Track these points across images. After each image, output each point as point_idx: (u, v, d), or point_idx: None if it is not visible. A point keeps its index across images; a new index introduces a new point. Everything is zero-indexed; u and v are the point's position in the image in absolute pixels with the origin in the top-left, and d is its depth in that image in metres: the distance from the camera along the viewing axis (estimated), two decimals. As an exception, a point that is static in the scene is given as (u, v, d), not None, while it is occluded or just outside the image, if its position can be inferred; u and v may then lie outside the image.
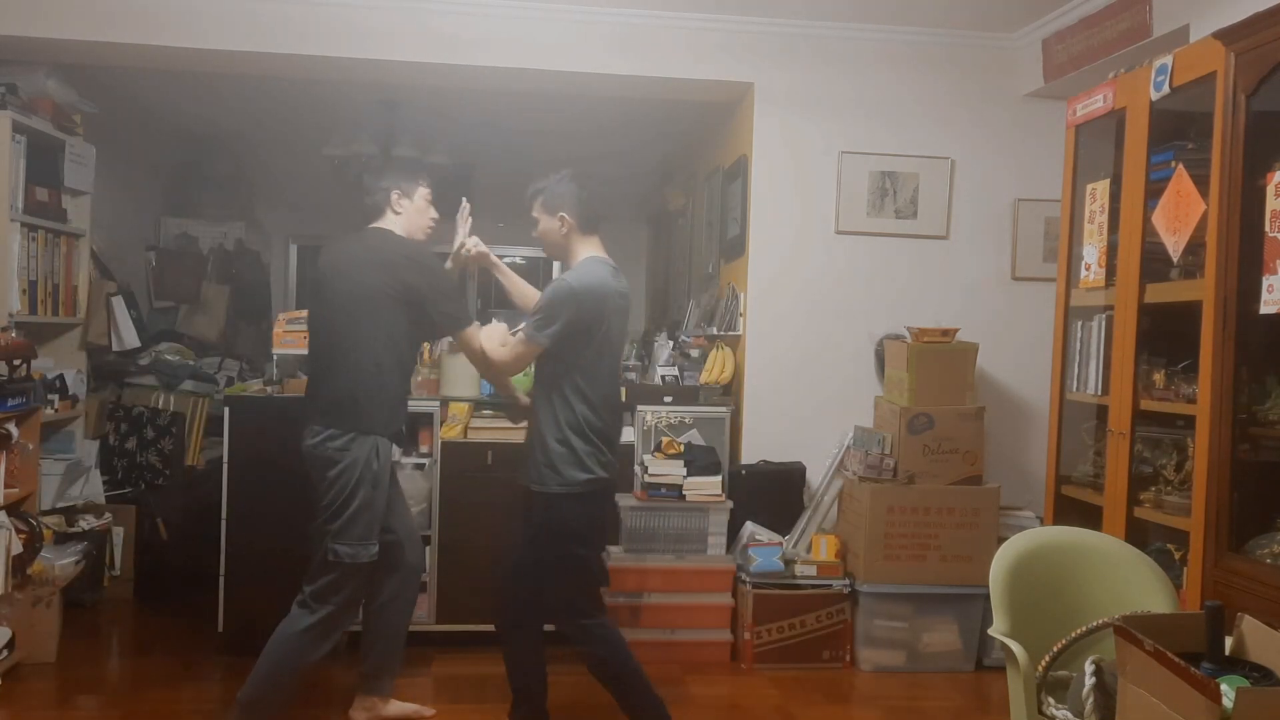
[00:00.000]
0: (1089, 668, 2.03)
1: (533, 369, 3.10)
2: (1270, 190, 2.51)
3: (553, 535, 2.98)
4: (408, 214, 3.17)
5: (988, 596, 2.50)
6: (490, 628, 3.98)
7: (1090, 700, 1.99)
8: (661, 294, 7.12)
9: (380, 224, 3.16)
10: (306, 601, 3.03)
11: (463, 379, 4.14)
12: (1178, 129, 3.05)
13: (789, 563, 4.01)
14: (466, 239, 3.24)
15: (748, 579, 3.98)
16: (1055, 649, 2.25)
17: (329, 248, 3.28)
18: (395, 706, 3.38)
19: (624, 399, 4.19)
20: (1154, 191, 3.04)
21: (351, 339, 3.02)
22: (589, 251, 3.06)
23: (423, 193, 3.20)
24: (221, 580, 3.87)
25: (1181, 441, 3.02)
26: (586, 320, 2.92)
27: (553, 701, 3.19)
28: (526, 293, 3.31)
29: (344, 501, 2.99)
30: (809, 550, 4.09)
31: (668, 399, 4.24)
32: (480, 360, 3.12)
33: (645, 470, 4.06)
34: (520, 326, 3.02)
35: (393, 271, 3.01)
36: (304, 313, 4.09)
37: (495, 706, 3.48)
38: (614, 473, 3.07)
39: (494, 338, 3.08)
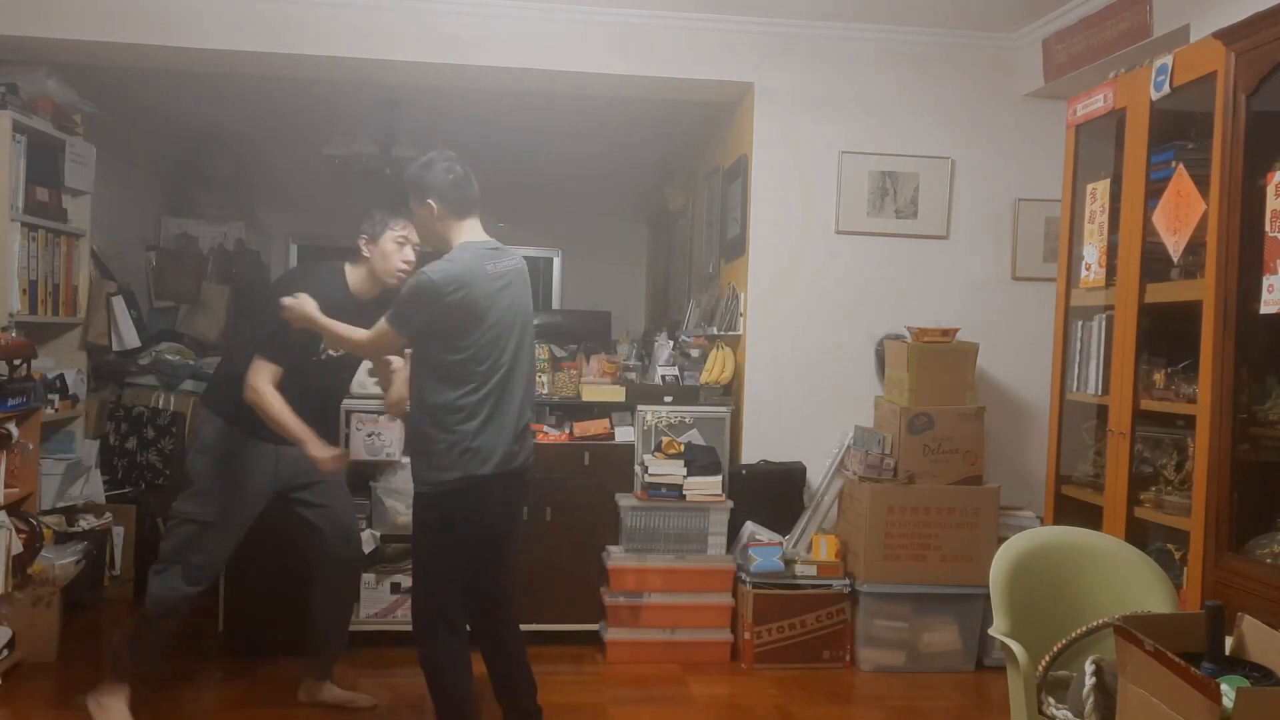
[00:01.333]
0: (1089, 668, 2.03)
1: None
2: (1270, 190, 2.51)
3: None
4: (374, 259, 3.17)
5: (988, 596, 2.50)
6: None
7: (1090, 700, 1.99)
8: (661, 294, 7.12)
9: (350, 263, 3.23)
10: None
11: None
12: (1178, 129, 3.05)
13: (789, 563, 4.01)
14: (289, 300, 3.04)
15: (748, 579, 3.98)
16: (1055, 649, 2.25)
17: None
18: (333, 692, 3.46)
19: (621, 398, 4.23)
20: (1154, 191, 3.04)
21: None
22: (465, 236, 2.89)
23: (391, 235, 3.14)
24: (221, 580, 3.87)
25: (1181, 441, 3.02)
26: (455, 313, 2.71)
27: (551, 701, 3.19)
28: (351, 335, 3.02)
29: None
30: (809, 550, 4.09)
31: (668, 399, 4.24)
32: (348, 342, 3.04)
33: (645, 470, 4.06)
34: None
35: None
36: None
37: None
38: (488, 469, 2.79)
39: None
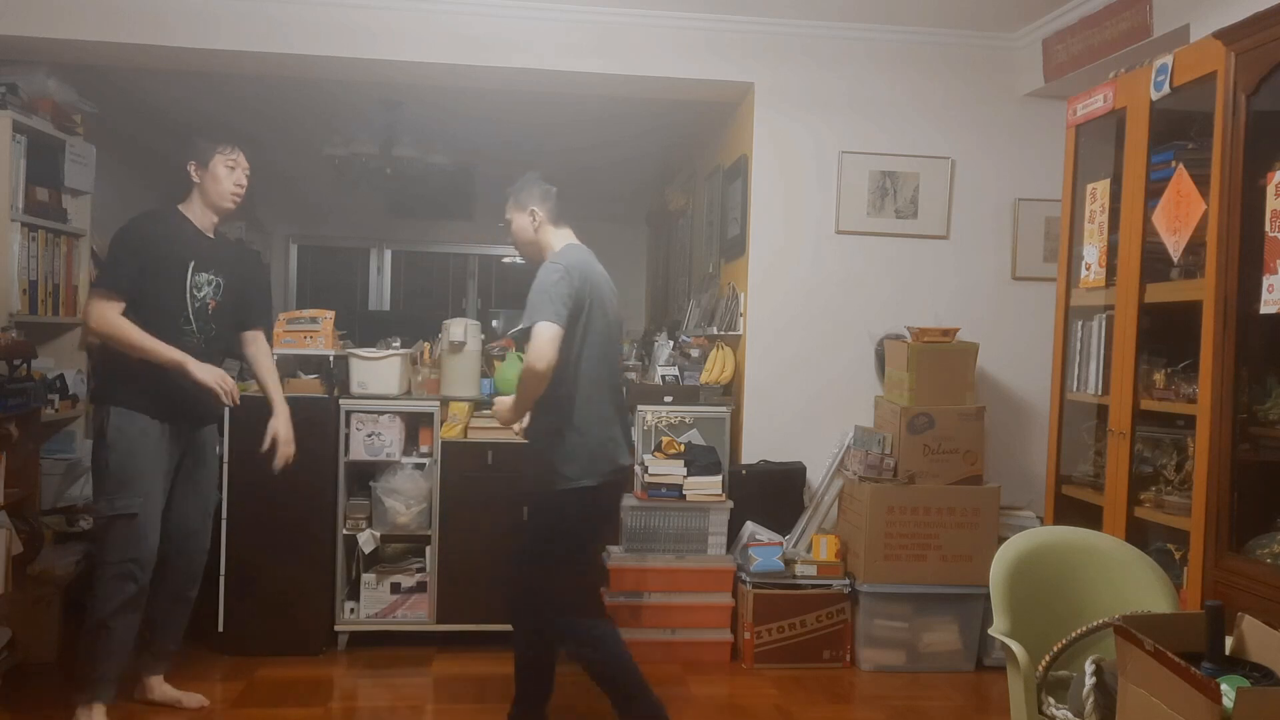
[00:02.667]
0: (1089, 668, 2.03)
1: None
2: (1270, 190, 2.51)
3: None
4: (205, 184, 3.18)
5: (988, 596, 2.50)
6: (489, 627, 4.00)
7: (1090, 700, 1.99)
8: (661, 294, 7.12)
9: (182, 204, 3.20)
10: None
11: (463, 378, 4.14)
12: (1178, 129, 3.05)
13: (789, 562, 4.01)
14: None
15: (748, 579, 3.98)
16: (1055, 649, 2.25)
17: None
18: (164, 690, 3.40)
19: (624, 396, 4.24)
20: (1154, 191, 3.04)
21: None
22: (565, 240, 3.13)
23: (222, 159, 3.16)
24: (221, 580, 3.87)
25: (1181, 441, 3.02)
26: (581, 300, 2.94)
27: (555, 701, 3.19)
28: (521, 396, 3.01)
29: None
30: (809, 550, 4.09)
31: (668, 399, 4.24)
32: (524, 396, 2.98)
33: (645, 470, 4.06)
34: (517, 328, 3.03)
35: None
36: (304, 312, 4.10)
37: (495, 706, 3.48)
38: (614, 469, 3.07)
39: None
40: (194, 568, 3.35)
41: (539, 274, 2.96)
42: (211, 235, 3.26)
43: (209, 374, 3.03)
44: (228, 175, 3.18)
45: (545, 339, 2.84)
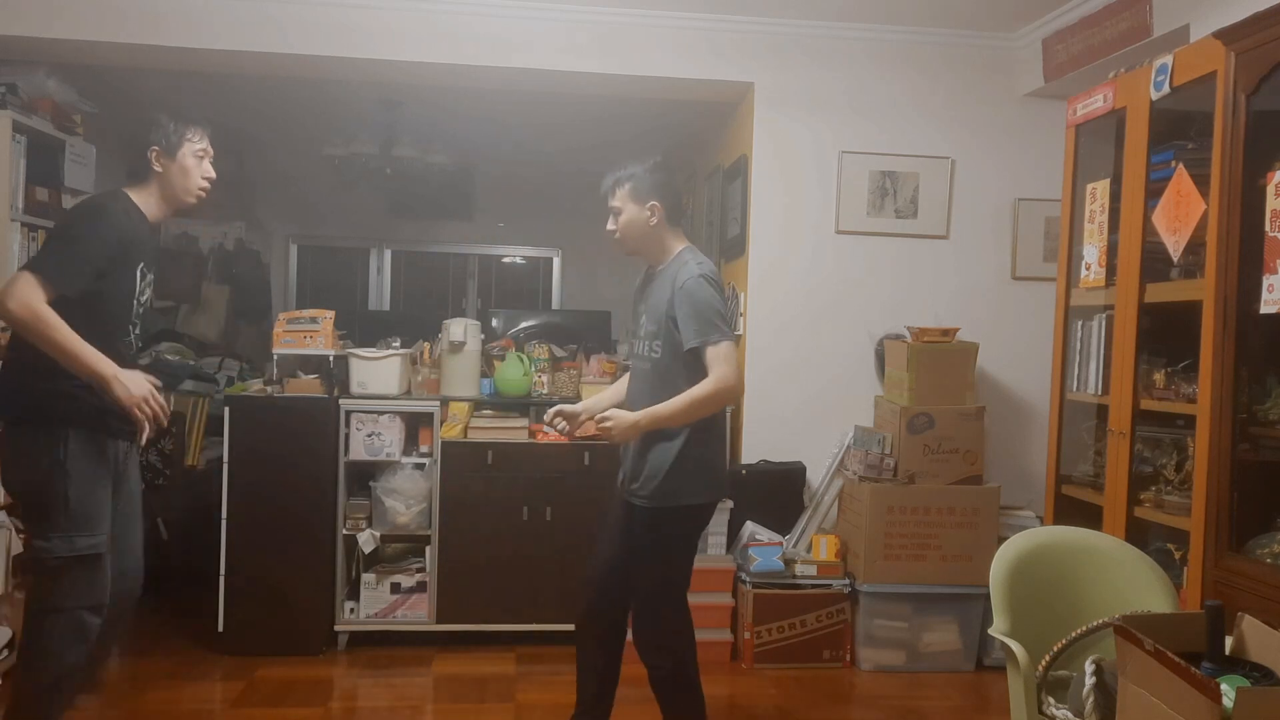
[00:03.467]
0: (1089, 667, 2.03)
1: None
2: (1270, 190, 2.51)
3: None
4: (168, 175, 2.73)
5: (988, 596, 2.50)
6: (489, 627, 4.01)
7: (1090, 700, 1.99)
8: (662, 294, 7.11)
9: (133, 190, 2.72)
10: None
11: (463, 378, 4.14)
12: (1178, 129, 3.05)
13: (789, 562, 4.01)
14: None
15: (748, 579, 3.98)
16: (1055, 649, 2.25)
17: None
18: None
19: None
20: (1154, 191, 3.04)
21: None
22: (683, 243, 2.93)
23: (191, 148, 2.74)
24: (221, 580, 3.87)
25: (1181, 441, 3.02)
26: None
27: (552, 701, 3.19)
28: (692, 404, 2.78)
29: None
30: (809, 550, 4.09)
31: (668, 399, 4.23)
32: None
33: (645, 470, 4.05)
34: (694, 343, 2.75)
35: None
36: (304, 312, 4.10)
37: (495, 706, 3.48)
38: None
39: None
40: (136, 592, 2.93)
41: (698, 287, 2.75)
42: (154, 225, 2.82)
43: (137, 389, 2.52)
44: (196, 166, 2.78)
45: (733, 356, 2.74)
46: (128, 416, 2.53)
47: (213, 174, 2.82)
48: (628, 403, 2.92)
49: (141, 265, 2.71)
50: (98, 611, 2.61)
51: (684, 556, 2.96)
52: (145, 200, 2.74)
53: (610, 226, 2.94)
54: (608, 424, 2.74)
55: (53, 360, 2.50)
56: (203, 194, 2.80)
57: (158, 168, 2.71)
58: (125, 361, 2.62)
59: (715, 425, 2.91)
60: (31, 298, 2.44)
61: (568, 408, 2.95)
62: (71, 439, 2.56)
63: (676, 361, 2.80)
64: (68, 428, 2.56)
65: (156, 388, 2.59)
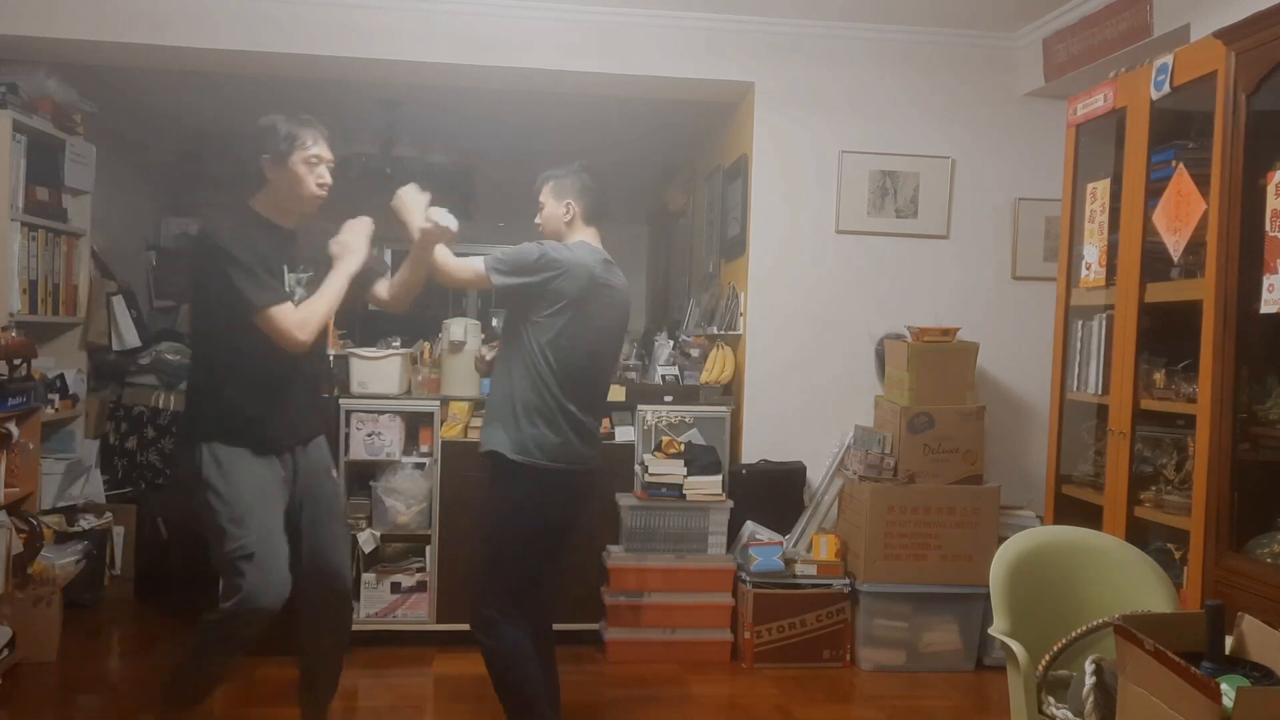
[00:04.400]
0: (1089, 667, 2.02)
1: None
2: (1270, 189, 2.51)
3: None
4: (279, 183, 2.70)
5: (988, 596, 2.50)
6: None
7: (1090, 700, 1.98)
8: (661, 294, 7.12)
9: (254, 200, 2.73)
10: None
11: (463, 378, 4.14)
12: (1178, 128, 3.05)
13: (789, 562, 4.01)
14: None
15: (748, 578, 3.98)
16: (1055, 648, 2.25)
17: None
18: None
19: (621, 398, 4.22)
20: (1154, 191, 3.04)
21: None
22: (581, 236, 2.97)
23: (301, 155, 2.68)
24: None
25: (1181, 441, 3.02)
26: (552, 288, 2.78)
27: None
28: (446, 261, 3.00)
29: None
30: (809, 550, 4.09)
31: (668, 398, 4.24)
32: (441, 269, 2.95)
33: (645, 469, 4.06)
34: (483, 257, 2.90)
35: None
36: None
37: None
38: (571, 463, 2.86)
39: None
40: (340, 608, 2.95)
41: (532, 244, 2.88)
42: (292, 228, 2.80)
43: (360, 243, 2.84)
44: (308, 174, 2.71)
45: (462, 272, 2.95)
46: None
47: (328, 179, 2.76)
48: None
49: (285, 269, 2.74)
50: (244, 615, 2.63)
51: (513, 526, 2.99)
52: (268, 207, 2.73)
53: (537, 219, 3.07)
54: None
55: (201, 380, 2.72)
56: (319, 200, 2.76)
57: (270, 176, 2.69)
58: (297, 364, 2.70)
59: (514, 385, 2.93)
60: (292, 320, 2.60)
61: None
62: (205, 459, 2.62)
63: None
64: (205, 450, 2.62)
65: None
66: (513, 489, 2.85)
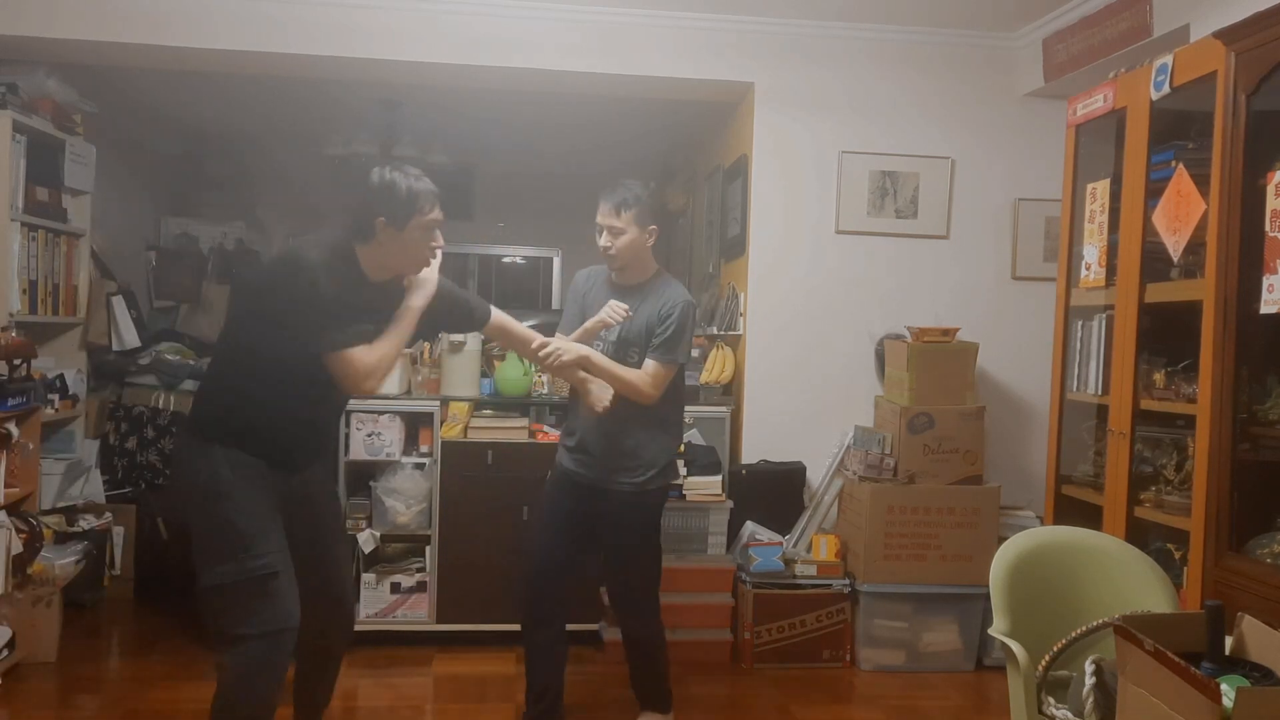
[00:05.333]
0: (1089, 667, 2.03)
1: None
2: (1270, 190, 2.51)
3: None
4: (390, 244, 2.53)
5: (988, 596, 2.50)
6: (489, 627, 4.00)
7: (1090, 700, 1.99)
8: (662, 294, 7.10)
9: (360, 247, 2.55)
10: None
11: (463, 378, 4.14)
12: (1178, 128, 3.05)
13: (789, 562, 4.01)
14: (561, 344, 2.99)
15: (748, 578, 3.98)
16: (1055, 649, 2.25)
17: None
18: None
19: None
20: (1154, 191, 3.04)
21: None
22: (655, 264, 3.16)
23: (419, 221, 2.52)
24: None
25: (1181, 441, 3.02)
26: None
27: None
28: (627, 376, 3.03)
29: None
30: (809, 550, 4.09)
31: (668, 399, 4.24)
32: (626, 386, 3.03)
33: (645, 470, 4.05)
34: (658, 355, 2.99)
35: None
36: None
37: (495, 706, 3.48)
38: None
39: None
40: (337, 642, 2.87)
41: (689, 312, 3.03)
42: (383, 284, 2.60)
43: (427, 286, 2.66)
44: (423, 239, 2.55)
45: (663, 382, 3.03)
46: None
47: (442, 243, 2.61)
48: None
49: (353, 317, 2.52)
50: (278, 638, 2.48)
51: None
52: (369, 261, 2.55)
53: (606, 243, 3.02)
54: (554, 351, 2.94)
55: (230, 384, 2.56)
56: (429, 263, 2.64)
57: (381, 237, 2.51)
58: (333, 388, 2.54)
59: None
60: (363, 366, 2.45)
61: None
62: (219, 462, 2.48)
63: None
64: (220, 453, 2.49)
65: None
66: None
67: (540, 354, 2.95)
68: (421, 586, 4.04)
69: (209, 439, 2.50)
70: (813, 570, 4.01)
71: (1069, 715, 2.06)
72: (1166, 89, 2.98)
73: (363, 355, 2.47)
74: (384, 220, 2.48)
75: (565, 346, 2.97)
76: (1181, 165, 2.93)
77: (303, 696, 2.91)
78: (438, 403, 4.07)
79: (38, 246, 4.02)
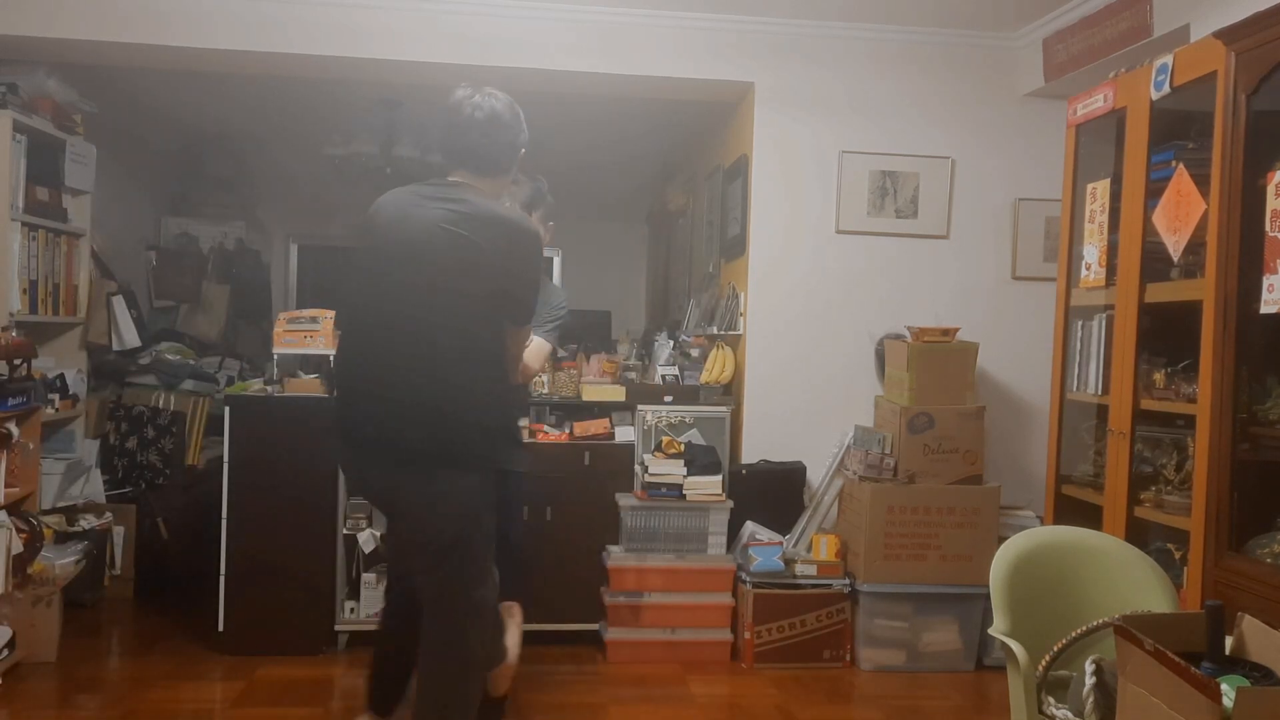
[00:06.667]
0: (1089, 667, 2.03)
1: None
2: (1270, 190, 2.51)
3: None
4: None
5: (988, 596, 2.50)
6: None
7: (1090, 700, 1.99)
8: (661, 294, 7.11)
9: None
10: None
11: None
12: (1178, 128, 3.06)
13: (789, 562, 4.01)
14: None
15: (748, 578, 3.98)
16: (1055, 648, 2.25)
17: None
18: None
19: (621, 398, 4.24)
20: (1154, 191, 3.05)
21: None
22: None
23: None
24: (221, 580, 3.87)
25: (1181, 441, 3.02)
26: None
27: (551, 701, 3.18)
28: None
29: None
30: (809, 550, 4.09)
31: (668, 398, 4.24)
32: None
33: (645, 470, 4.06)
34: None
35: None
36: (304, 312, 4.10)
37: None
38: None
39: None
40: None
41: (555, 292, 3.21)
42: None
43: None
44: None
45: None
46: None
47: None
48: None
49: None
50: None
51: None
52: None
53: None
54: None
55: (500, 389, 2.62)
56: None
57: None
58: None
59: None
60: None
61: None
62: (485, 476, 2.60)
63: None
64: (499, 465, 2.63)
65: None
66: None
67: None
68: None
69: (485, 458, 2.48)
70: (813, 570, 4.01)
71: (1069, 715, 2.06)
72: (1166, 89, 2.98)
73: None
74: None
75: None
76: (1181, 165, 2.93)
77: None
78: (438, 403, 4.06)
79: (38, 246, 4.02)
